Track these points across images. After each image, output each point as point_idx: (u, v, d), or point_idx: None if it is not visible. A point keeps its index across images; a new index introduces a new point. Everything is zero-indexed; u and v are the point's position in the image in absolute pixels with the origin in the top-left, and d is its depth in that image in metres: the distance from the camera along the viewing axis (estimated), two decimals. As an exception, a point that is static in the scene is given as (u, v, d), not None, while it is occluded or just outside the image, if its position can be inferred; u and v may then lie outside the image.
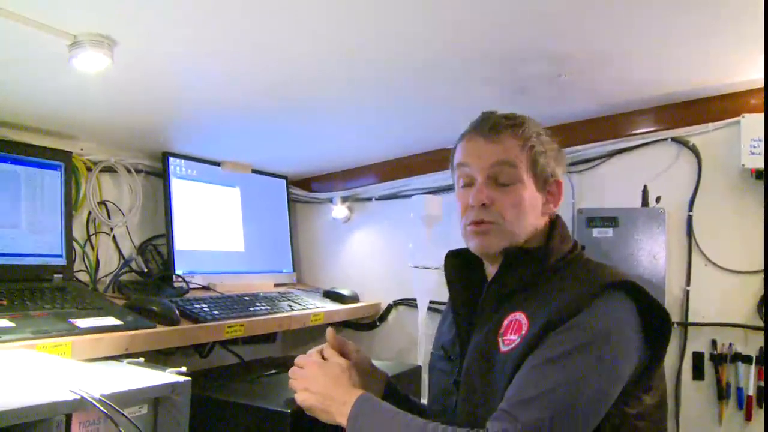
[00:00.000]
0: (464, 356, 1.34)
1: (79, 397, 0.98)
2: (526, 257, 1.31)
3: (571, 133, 2.39)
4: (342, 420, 1.29)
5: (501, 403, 1.16)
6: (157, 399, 1.17)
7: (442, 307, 2.63)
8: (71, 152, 2.05)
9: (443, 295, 2.58)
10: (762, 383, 2.12)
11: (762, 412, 2.12)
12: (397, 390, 1.57)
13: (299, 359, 1.47)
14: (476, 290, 1.39)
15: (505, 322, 1.27)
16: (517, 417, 1.11)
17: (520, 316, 1.25)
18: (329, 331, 1.52)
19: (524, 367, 1.18)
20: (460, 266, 1.46)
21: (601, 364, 1.15)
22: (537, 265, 1.30)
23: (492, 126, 1.34)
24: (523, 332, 1.22)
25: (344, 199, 3.01)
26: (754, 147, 2.11)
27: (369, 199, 2.98)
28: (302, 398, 1.39)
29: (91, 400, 0.98)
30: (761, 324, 2.13)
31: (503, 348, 1.24)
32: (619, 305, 1.21)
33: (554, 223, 1.39)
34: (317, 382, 1.39)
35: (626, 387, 1.19)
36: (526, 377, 1.16)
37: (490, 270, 1.40)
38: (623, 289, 1.23)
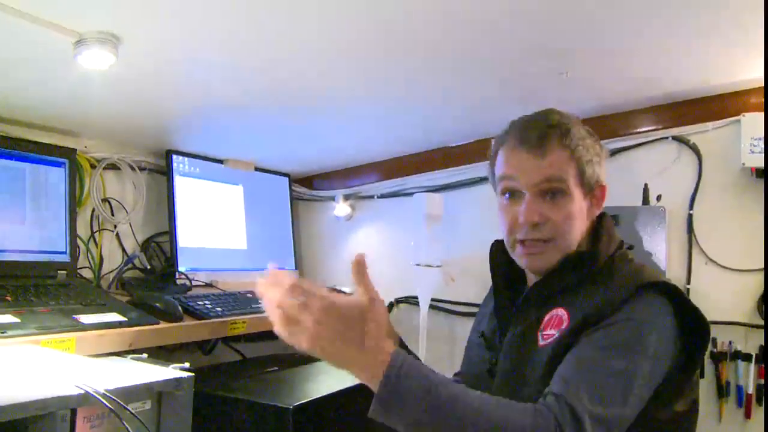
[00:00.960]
0: (501, 346, 1.33)
1: (83, 391, 0.99)
2: (576, 262, 1.29)
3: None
4: (375, 373, 1.04)
5: (549, 386, 1.11)
6: (160, 394, 1.18)
7: (445, 305, 2.68)
8: (75, 149, 2.06)
9: (445, 292, 2.63)
10: (762, 381, 2.13)
11: (762, 410, 2.13)
12: (411, 352, 1.36)
13: (285, 303, 1.10)
14: (519, 281, 1.40)
15: (546, 318, 1.27)
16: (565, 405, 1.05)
17: (561, 312, 1.25)
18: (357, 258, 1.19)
19: (568, 357, 1.16)
20: (505, 255, 1.41)
21: (640, 362, 1.13)
22: (586, 267, 1.28)
23: (539, 137, 1.28)
24: (562, 327, 1.22)
25: (346, 197, 3.03)
26: (755, 146, 2.11)
27: (371, 197, 2.99)
28: (309, 343, 1.06)
29: (95, 394, 0.99)
30: (761, 322, 2.14)
31: (541, 342, 1.24)
32: (656, 306, 1.20)
33: (600, 223, 1.36)
34: (332, 341, 1.07)
35: (657, 391, 1.17)
36: (569, 367, 1.14)
37: (533, 275, 1.38)
38: (662, 291, 1.21)
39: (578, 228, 1.31)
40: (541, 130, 1.29)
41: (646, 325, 1.16)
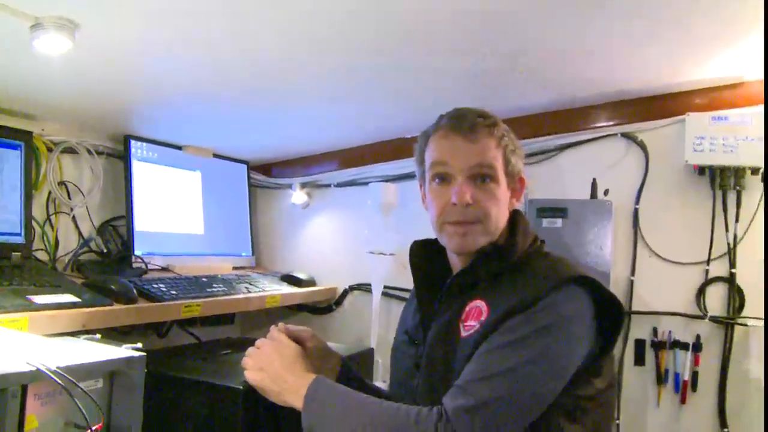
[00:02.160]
0: (426, 340, 1.39)
1: (34, 368, 0.99)
2: (494, 252, 1.35)
3: (525, 125, 2.44)
4: (296, 401, 1.30)
5: (456, 381, 1.21)
6: (112, 373, 1.19)
7: (397, 292, 2.73)
8: (32, 132, 2.05)
9: (397, 280, 2.68)
10: (697, 368, 2.24)
11: (695, 395, 2.24)
12: (351, 370, 1.60)
13: (259, 341, 1.47)
14: (439, 278, 1.44)
15: (467, 309, 1.32)
16: (471, 393, 1.16)
17: (480, 303, 1.30)
18: (273, 329, 1.50)
19: (481, 348, 1.23)
20: (425, 255, 1.50)
21: (553, 351, 1.20)
22: (503, 259, 1.34)
23: (471, 125, 1.35)
24: (482, 319, 1.27)
25: (303, 186, 3.05)
26: (698, 144, 2.20)
27: (328, 186, 3.01)
28: (255, 377, 1.39)
29: (47, 371, 1.00)
30: (699, 313, 2.25)
31: (463, 333, 1.29)
32: (574, 298, 1.26)
33: (516, 217, 1.42)
34: (272, 362, 1.39)
35: (578, 372, 1.24)
36: (482, 358, 1.22)
37: (455, 261, 1.44)
38: (580, 283, 1.27)
39: (503, 214, 1.38)
40: (471, 119, 1.36)
41: (566, 314, 1.24)
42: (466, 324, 1.30)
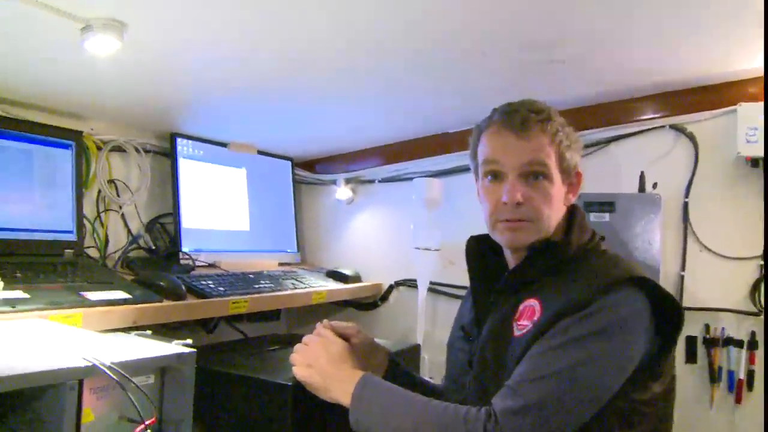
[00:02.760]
0: (479, 337, 1.38)
1: (90, 363, 1.01)
2: (549, 249, 1.33)
3: (570, 119, 2.37)
4: (344, 398, 1.31)
5: (507, 381, 1.20)
6: (163, 369, 1.20)
7: (443, 288, 2.72)
8: (82, 132, 2.10)
9: (443, 276, 2.67)
10: (753, 367, 2.17)
11: (751, 395, 2.17)
12: (399, 365, 1.61)
13: (306, 337, 1.49)
14: (495, 275, 1.42)
15: (521, 307, 1.30)
16: (521, 395, 1.15)
17: (534, 302, 1.28)
18: (319, 326, 1.53)
19: (533, 349, 1.21)
20: (480, 251, 1.48)
21: (606, 354, 1.18)
22: (557, 256, 1.32)
23: (522, 121, 1.33)
24: (536, 318, 1.25)
25: (348, 181, 3.06)
26: (751, 135, 2.13)
27: (372, 182, 3.02)
28: (303, 374, 1.40)
29: (101, 367, 1.01)
30: (753, 309, 2.18)
31: (517, 333, 1.28)
32: (630, 299, 1.23)
33: (574, 213, 1.40)
34: (319, 359, 1.41)
35: (634, 375, 1.22)
36: (534, 359, 1.20)
37: (511, 257, 1.43)
38: (635, 284, 1.24)
39: (556, 212, 1.36)
40: (524, 115, 1.33)
41: (619, 316, 1.21)
42: (519, 323, 1.29)
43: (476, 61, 1.95)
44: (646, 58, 2.01)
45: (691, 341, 2.28)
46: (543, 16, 1.67)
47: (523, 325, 1.27)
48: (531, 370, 1.19)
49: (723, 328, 2.23)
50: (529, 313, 1.28)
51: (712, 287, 2.27)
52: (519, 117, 1.33)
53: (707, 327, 2.26)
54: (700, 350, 2.27)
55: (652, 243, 2.22)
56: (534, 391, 1.15)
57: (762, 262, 2.18)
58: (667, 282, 2.29)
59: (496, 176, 1.36)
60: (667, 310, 1.26)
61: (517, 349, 1.25)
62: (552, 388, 1.15)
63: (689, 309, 2.28)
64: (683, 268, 2.31)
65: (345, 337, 1.50)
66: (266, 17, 1.59)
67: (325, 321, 1.54)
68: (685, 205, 2.31)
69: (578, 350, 1.17)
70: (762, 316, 2.17)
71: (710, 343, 2.25)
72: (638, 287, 1.24)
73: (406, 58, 1.91)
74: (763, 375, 2.15)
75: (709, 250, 2.28)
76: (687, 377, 2.28)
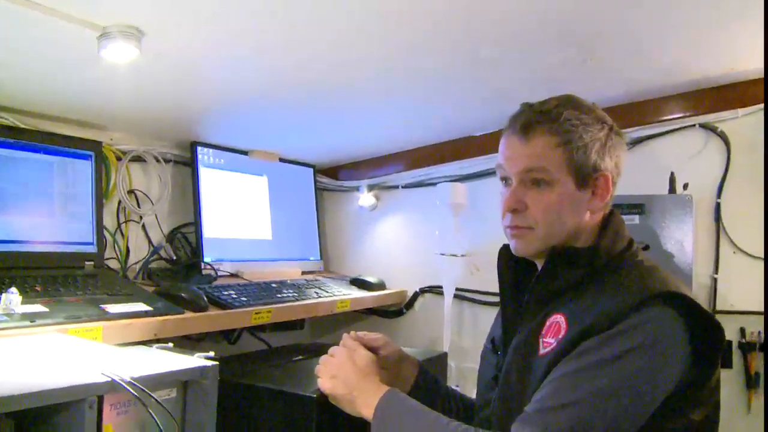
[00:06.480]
0: (507, 352, 1.31)
1: (110, 379, 1.01)
2: (572, 257, 1.26)
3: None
4: (367, 412, 1.28)
5: (527, 406, 1.14)
6: (185, 383, 1.20)
7: (469, 294, 2.68)
8: (101, 142, 2.09)
9: (470, 282, 2.63)
10: (791, 372, 2.11)
11: (791, 400, 2.11)
12: (428, 374, 1.57)
13: (332, 348, 1.45)
14: (524, 286, 1.35)
15: (547, 323, 1.23)
16: (538, 423, 1.09)
17: (560, 318, 1.21)
18: (346, 336, 1.49)
19: (555, 372, 1.14)
20: (514, 260, 1.39)
21: (631, 379, 1.10)
22: (584, 265, 1.25)
23: (525, 123, 1.26)
24: (560, 336, 1.18)
25: (371, 188, 3.03)
26: (784, 133, 2.08)
27: (395, 187, 2.99)
28: (328, 385, 1.37)
29: (121, 382, 1.01)
30: (790, 312, 2.12)
31: (542, 350, 1.21)
32: (661, 318, 1.13)
33: (609, 219, 1.31)
34: (345, 371, 1.37)
35: (669, 402, 1.14)
36: (554, 383, 1.13)
37: (538, 267, 1.36)
38: (668, 300, 1.14)
39: (567, 218, 1.27)
40: (527, 117, 1.27)
41: (648, 338, 1.11)
42: (545, 340, 1.22)
43: (501, 63, 1.92)
44: (676, 55, 1.97)
45: (726, 345, 2.22)
46: (569, 14, 1.64)
47: (548, 343, 1.20)
48: (550, 395, 1.12)
49: (759, 332, 2.17)
50: (555, 329, 1.21)
51: (747, 289, 2.20)
52: (522, 119, 1.28)
53: (743, 331, 2.19)
54: (736, 355, 2.20)
55: (684, 245, 2.16)
56: (552, 420, 1.08)
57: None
58: (699, 285, 2.24)
59: (506, 181, 1.32)
60: (706, 329, 1.15)
61: (541, 368, 1.18)
62: (572, 417, 1.08)
63: (723, 312, 2.22)
64: (716, 270, 2.26)
65: (373, 349, 1.47)
66: (287, 26, 1.57)
67: (352, 332, 1.51)
68: (717, 206, 2.26)
69: (601, 376, 1.10)
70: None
71: (746, 347, 2.18)
72: (671, 304, 1.14)
73: (431, 62, 1.89)
74: (763, 375, 2.10)
75: (743, 251, 2.22)
76: (723, 383, 2.14)
